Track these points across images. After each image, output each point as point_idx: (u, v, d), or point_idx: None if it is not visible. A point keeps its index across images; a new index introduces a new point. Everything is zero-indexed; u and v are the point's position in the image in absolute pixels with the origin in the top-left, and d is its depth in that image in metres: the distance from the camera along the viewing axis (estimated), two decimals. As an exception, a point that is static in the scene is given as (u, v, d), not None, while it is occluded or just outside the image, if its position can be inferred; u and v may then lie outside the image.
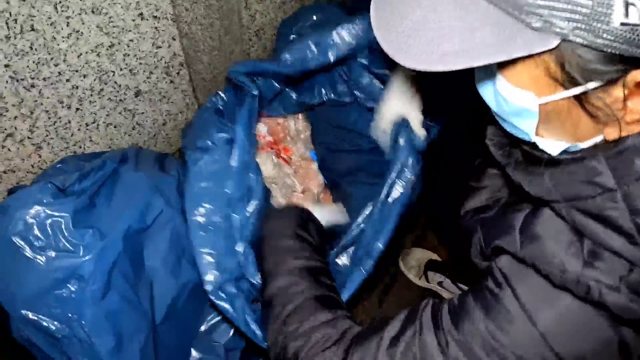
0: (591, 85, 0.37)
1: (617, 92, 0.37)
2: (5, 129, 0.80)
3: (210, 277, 0.76)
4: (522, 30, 0.35)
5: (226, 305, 0.75)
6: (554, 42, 0.35)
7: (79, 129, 0.91)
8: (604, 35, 0.33)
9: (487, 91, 0.45)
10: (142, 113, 0.99)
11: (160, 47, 0.92)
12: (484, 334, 0.45)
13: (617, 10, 0.32)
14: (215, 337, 0.94)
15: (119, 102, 0.93)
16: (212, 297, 0.75)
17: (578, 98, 0.39)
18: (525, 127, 0.44)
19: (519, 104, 0.41)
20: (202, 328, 0.94)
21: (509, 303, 0.45)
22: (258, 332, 0.76)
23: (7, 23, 0.70)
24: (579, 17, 0.33)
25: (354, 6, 1.05)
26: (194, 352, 0.92)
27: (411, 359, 0.48)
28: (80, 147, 0.94)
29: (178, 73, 0.99)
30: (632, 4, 0.32)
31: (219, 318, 0.95)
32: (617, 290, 0.39)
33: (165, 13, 0.88)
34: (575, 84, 0.38)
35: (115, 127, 0.96)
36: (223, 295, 0.75)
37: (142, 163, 0.87)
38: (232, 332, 0.96)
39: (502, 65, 0.40)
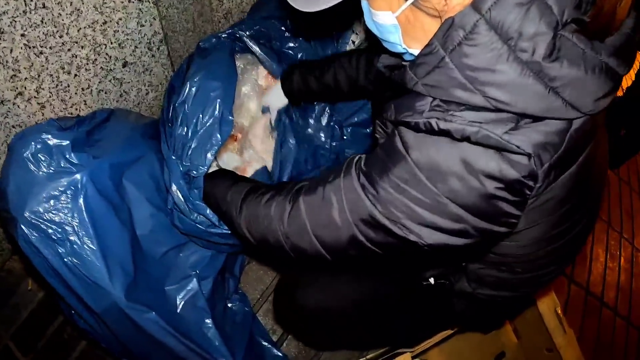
0: None
1: None
2: (17, 88, 0.99)
3: None
4: None
5: None
6: None
7: (76, 93, 1.10)
8: None
9: (369, 22, 0.66)
10: (128, 82, 1.19)
11: (143, 26, 1.12)
12: (382, 165, 0.62)
13: None
14: (189, 267, 1.13)
15: (109, 71, 1.13)
16: None
17: (416, 5, 0.58)
18: (395, 39, 0.64)
19: (385, 22, 0.62)
20: (178, 259, 1.12)
21: (397, 143, 0.62)
22: None
23: (24, 1, 0.90)
24: None
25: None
26: (170, 279, 1.10)
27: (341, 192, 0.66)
28: (77, 110, 1.13)
29: (158, 48, 1.20)
30: None
31: (193, 249, 1.14)
32: (451, 121, 0.55)
33: (148, -3, 1.10)
34: None
35: (105, 93, 1.15)
36: None
37: (129, 116, 1.08)
38: (205, 262, 1.16)
39: None
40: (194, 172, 1.02)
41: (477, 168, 0.55)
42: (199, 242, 1.12)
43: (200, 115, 1.03)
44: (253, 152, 1.20)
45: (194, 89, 1.05)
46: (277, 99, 1.16)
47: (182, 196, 1.02)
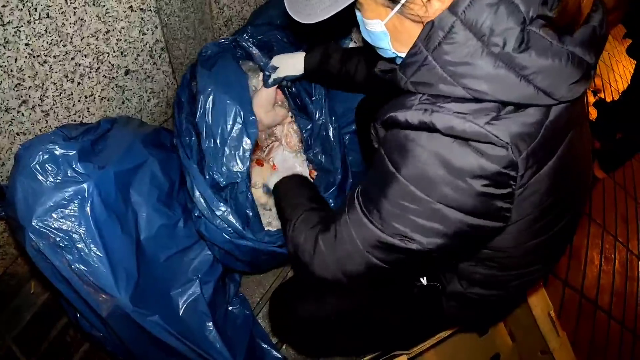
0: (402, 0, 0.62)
1: None
2: (22, 97, 1.01)
3: None
4: None
5: None
6: None
7: (79, 100, 1.12)
8: None
9: (363, 31, 0.72)
10: (131, 90, 1.21)
11: (145, 34, 1.14)
12: (378, 189, 0.66)
13: None
14: (192, 271, 1.15)
15: (112, 79, 1.15)
16: None
17: (401, 13, 0.64)
18: (385, 45, 0.70)
19: (375, 30, 0.68)
20: (181, 263, 1.14)
21: (387, 164, 0.65)
22: None
23: (29, 11, 0.91)
24: None
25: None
26: (173, 283, 1.12)
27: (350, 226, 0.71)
28: (80, 117, 1.15)
29: (160, 56, 1.21)
30: None
31: (195, 254, 1.16)
32: (437, 111, 0.59)
33: (150, 6, 1.11)
34: (394, 2, 0.63)
35: (108, 100, 1.17)
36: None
37: (130, 124, 1.09)
38: (207, 267, 1.17)
39: (359, 10, 0.68)
40: (237, 180, 1.05)
41: (458, 169, 0.59)
42: (218, 253, 1.14)
43: (224, 125, 1.06)
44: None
45: (209, 101, 1.07)
46: (293, 66, 1.13)
47: (205, 203, 1.04)
